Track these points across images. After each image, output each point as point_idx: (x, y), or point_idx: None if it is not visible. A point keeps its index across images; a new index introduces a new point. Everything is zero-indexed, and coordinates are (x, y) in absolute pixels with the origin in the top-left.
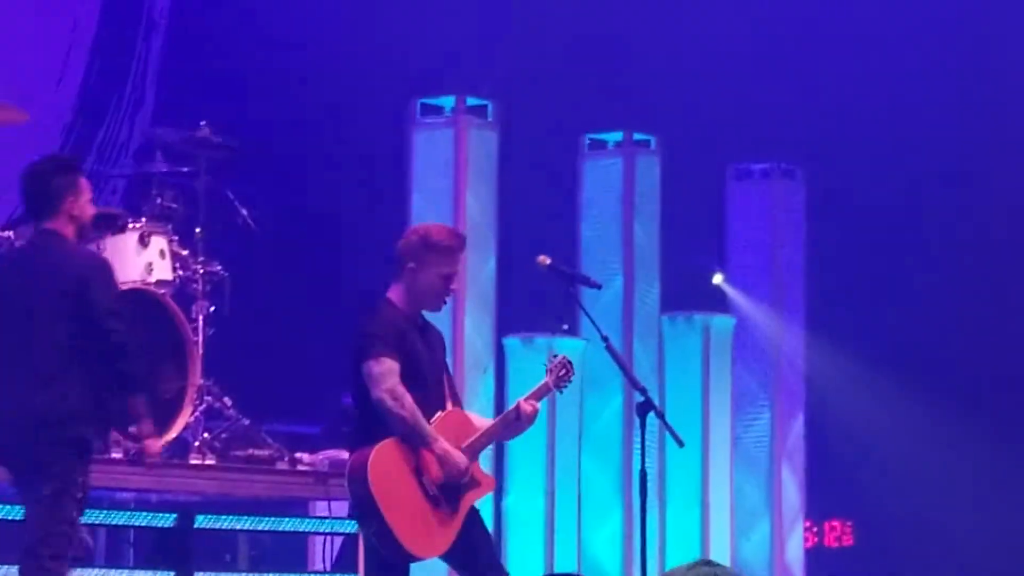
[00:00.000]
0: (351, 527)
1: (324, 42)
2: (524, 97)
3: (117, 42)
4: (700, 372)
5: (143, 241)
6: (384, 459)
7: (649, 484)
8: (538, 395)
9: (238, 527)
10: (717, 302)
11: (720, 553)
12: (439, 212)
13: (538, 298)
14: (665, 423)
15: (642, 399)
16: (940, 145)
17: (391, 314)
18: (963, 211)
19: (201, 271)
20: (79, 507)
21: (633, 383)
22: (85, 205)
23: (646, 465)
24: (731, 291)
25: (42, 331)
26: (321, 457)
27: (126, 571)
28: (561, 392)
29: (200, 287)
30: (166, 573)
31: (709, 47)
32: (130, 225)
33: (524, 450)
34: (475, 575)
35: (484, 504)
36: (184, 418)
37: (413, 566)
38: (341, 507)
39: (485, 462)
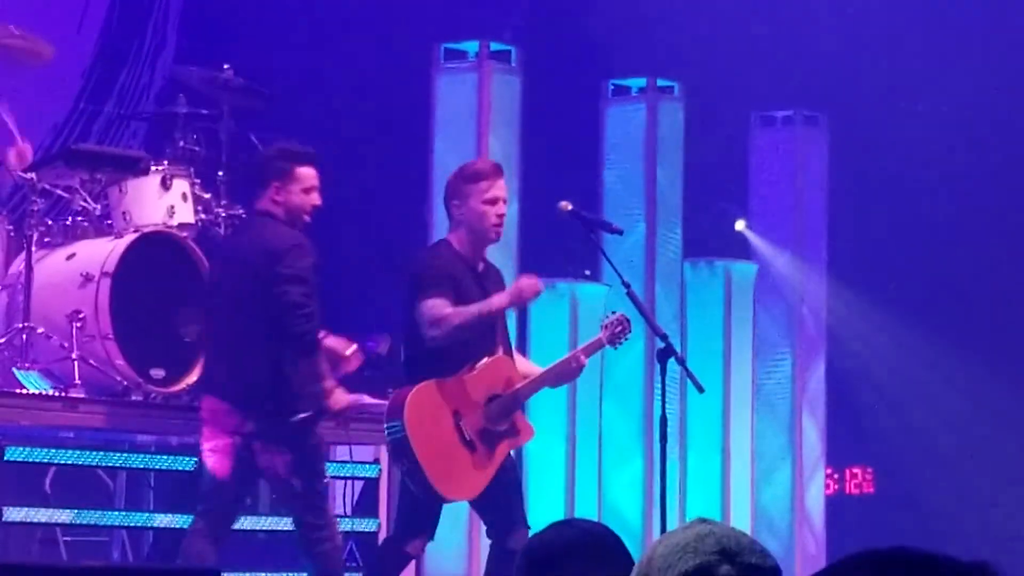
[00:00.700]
0: (372, 471)
1: None
2: (548, 43)
3: None
4: (722, 318)
5: (165, 184)
6: (422, 399)
7: (670, 430)
8: (590, 350)
9: None
10: (739, 248)
11: (740, 499)
12: (462, 157)
13: (560, 244)
14: (686, 369)
15: (663, 345)
16: (965, 91)
17: (446, 255)
18: (988, 157)
19: (223, 214)
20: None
21: (654, 329)
22: (295, 194)
23: (667, 411)
24: (753, 237)
25: (241, 306)
26: None
27: (146, 514)
28: (616, 348)
29: (222, 230)
30: (186, 517)
31: None
32: (152, 168)
33: (545, 395)
34: (499, 530)
35: None
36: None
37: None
38: (362, 451)
39: None
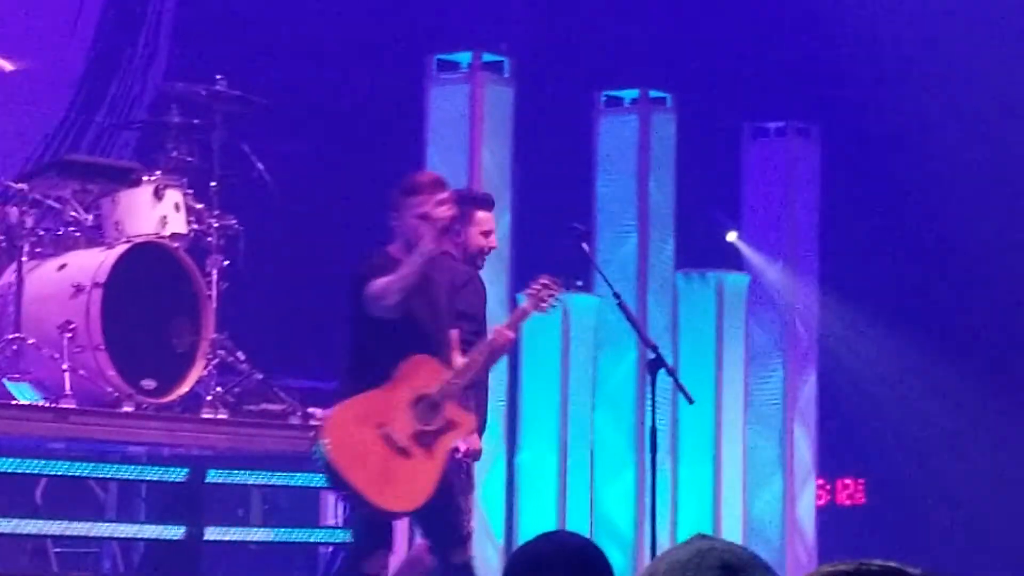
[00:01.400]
0: None
1: None
2: (540, 54)
3: None
4: (714, 329)
5: (158, 194)
6: (339, 423)
7: (662, 441)
8: (515, 321)
9: (250, 482)
10: (731, 259)
11: (732, 510)
12: (454, 168)
13: (553, 255)
14: (676, 380)
15: (653, 356)
16: (956, 104)
17: (382, 263)
18: (979, 169)
19: (216, 225)
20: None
21: (644, 340)
22: (472, 236)
23: (657, 422)
24: (745, 249)
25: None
26: None
27: (137, 525)
28: (546, 313)
29: (215, 241)
30: (177, 528)
31: (726, 4)
32: (144, 178)
33: (537, 406)
34: (443, 546)
35: (496, 459)
36: (197, 372)
37: None
38: None
39: (496, 417)
